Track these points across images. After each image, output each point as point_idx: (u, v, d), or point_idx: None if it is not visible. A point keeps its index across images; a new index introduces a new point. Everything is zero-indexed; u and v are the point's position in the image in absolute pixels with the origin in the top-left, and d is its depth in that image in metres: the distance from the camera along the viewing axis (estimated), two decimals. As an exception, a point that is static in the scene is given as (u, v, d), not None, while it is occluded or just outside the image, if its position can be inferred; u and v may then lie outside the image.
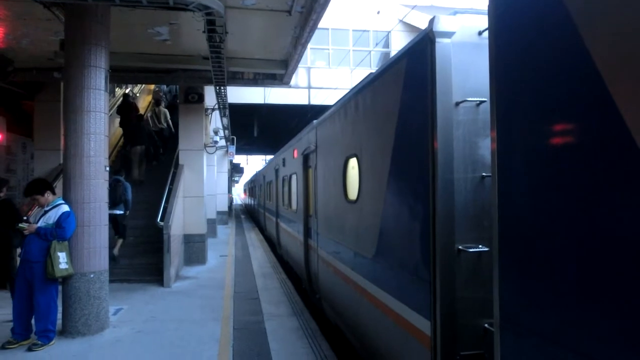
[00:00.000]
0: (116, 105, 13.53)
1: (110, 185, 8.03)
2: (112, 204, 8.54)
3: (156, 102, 13.61)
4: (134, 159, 11.72)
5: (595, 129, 1.68)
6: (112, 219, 8.62)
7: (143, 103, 17.43)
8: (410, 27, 18.94)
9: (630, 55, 1.52)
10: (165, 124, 13.14)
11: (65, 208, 5.45)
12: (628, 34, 1.53)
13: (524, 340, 2.05)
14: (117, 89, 16.31)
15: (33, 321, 5.37)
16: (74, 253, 5.56)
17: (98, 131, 5.82)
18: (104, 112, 5.90)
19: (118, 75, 9.38)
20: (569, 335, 1.78)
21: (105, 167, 5.97)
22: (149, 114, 13.78)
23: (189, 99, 11.04)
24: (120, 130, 13.81)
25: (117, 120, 14.25)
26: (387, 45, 20.30)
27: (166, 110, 13.15)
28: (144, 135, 12.10)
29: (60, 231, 5.30)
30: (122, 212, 9.26)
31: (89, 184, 5.72)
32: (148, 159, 12.32)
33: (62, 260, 5.24)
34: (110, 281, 6.28)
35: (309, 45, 8.76)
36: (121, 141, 13.57)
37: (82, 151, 5.71)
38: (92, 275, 5.69)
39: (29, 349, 5.13)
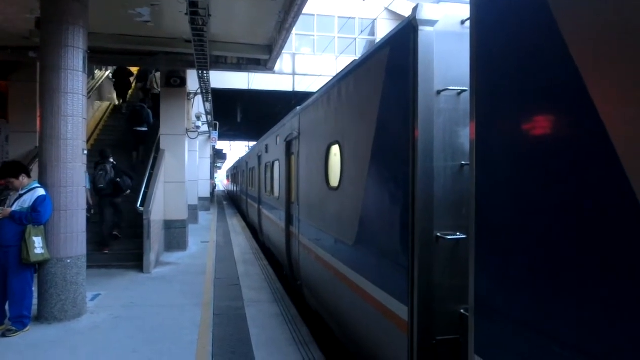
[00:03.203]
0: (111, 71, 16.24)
1: (137, 109, 11.60)
2: (139, 124, 11.45)
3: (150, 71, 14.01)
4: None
5: (571, 121, 1.70)
6: (137, 134, 11.54)
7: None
8: (395, 15, 18.89)
9: (605, 48, 1.53)
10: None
11: (41, 192, 5.35)
12: (604, 26, 1.55)
13: (497, 325, 2.10)
14: (96, 71, 16.01)
15: (7, 307, 5.28)
16: (50, 238, 5.47)
17: (76, 113, 5.69)
18: (82, 94, 5.76)
19: (97, 57, 9.16)
20: (541, 320, 1.82)
21: (83, 150, 5.85)
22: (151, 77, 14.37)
23: (170, 82, 10.85)
24: (99, 115, 14.77)
25: (97, 103, 15.03)
26: (372, 33, 20.22)
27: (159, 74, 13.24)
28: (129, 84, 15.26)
29: (35, 215, 5.20)
30: (145, 129, 11.55)
31: (66, 168, 5.61)
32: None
33: (37, 245, 5.15)
34: (88, 267, 6.20)
35: (294, 31, 8.69)
36: (100, 125, 14.09)
37: (59, 134, 5.58)
38: (69, 261, 5.61)
39: (3, 335, 5.05)
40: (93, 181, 8.66)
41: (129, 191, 9.22)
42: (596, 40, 1.58)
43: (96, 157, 9.22)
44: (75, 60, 5.66)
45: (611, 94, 1.52)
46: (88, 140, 11.32)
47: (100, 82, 15.90)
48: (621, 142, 1.47)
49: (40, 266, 5.48)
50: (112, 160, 9.04)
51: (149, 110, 11.79)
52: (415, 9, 3.04)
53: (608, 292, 1.52)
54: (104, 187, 8.66)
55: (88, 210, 7.65)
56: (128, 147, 11.96)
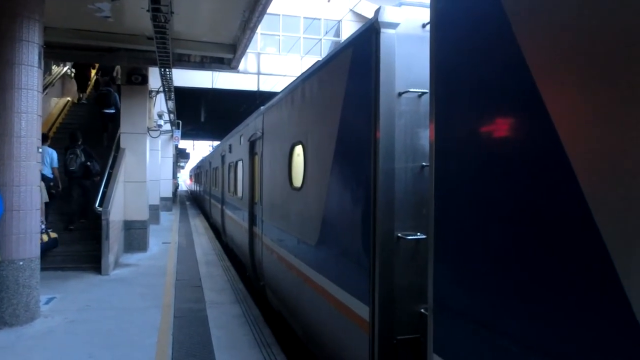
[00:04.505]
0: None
1: (104, 93, 11.98)
2: (106, 106, 11.81)
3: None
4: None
5: (524, 123, 1.76)
6: (105, 115, 11.96)
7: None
8: (360, 17, 19.08)
9: (558, 52, 1.60)
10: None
11: (-9, 191, 5.12)
12: (557, 31, 1.61)
13: (455, 324, 2.15)
14: (54, 67, 15.42)
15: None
16: (1, 239, 5.23)
17: (30, 110, 5.47)
18: (36, 90, 5.55)
19: (54, 52, 8.82)
20: (497, 319, 1.88)
21: (38, 148, 5.62)
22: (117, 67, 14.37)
23: (132, 80, 10.56)
24: (56, 111, 14.42)
25: (54, 99, 14.72)
26: (337, 34, 20.35)
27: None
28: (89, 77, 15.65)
29: (-15, 215, 4.98)
30: (113, 111, 11.83)
31: (19, 166, 5.38)
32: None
33: (-14, 246, 4.92)
34: (43, 269, 5.98)
35: (259, 31, 8.66)
36: (57, 123, 13.71)
37: (12, 131, 5.36)
38: (21, 263, 5.38)
39: (-51, 341, 4.81)
40: (64, 164, 8.90)
41: (98, 177, 9.56)
42: (547, 44, 1.65)
43: (66, 141, 9.62)
44: (30, 55, 5.44)
45: (562, 98, 1.59)
46: (48, 132, 11.05)
47: (57, 78, 15.31)
48: (571, 144, 1.53)
49: (-11, 269, 5.24)
50: (81, 144, 9.34)
51: (116, 94, 11.93)
52: (377, 12, 3.08)
53: (563, 291, 1.57)
54: (75, 170, 9.04)
55: (55, 187, 8.41)
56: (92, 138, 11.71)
